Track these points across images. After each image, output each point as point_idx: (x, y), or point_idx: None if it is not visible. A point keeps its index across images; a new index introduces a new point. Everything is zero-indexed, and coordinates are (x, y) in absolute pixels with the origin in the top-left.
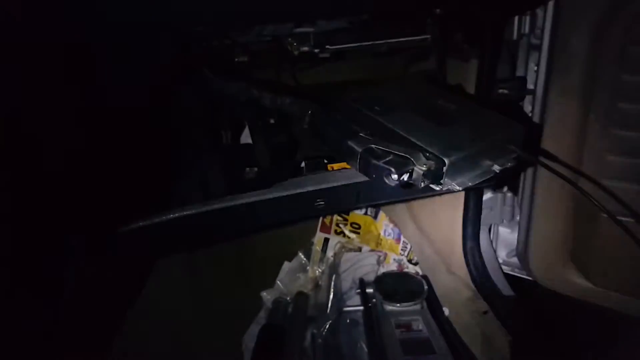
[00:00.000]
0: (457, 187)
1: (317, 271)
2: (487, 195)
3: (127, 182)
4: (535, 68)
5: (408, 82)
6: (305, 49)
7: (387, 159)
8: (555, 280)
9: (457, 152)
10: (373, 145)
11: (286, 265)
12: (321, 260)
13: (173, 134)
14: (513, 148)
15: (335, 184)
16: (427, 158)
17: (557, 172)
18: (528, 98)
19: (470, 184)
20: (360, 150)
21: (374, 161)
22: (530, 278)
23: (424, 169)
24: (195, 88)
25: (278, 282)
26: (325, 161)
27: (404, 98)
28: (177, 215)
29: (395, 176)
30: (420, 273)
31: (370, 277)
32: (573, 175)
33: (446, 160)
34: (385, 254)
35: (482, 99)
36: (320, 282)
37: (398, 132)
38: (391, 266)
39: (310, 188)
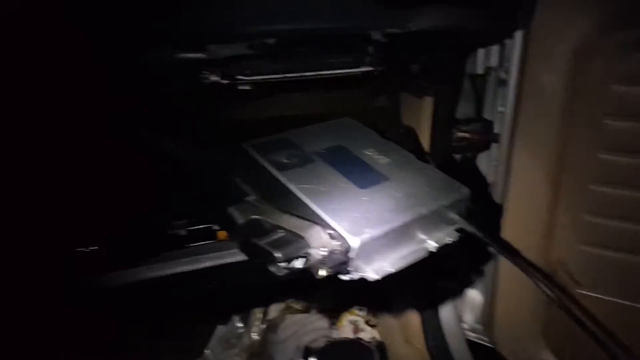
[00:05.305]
0: (374, 275)
1: (255, 338)
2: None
3: None
4: (502, 108)
5: (335, 123)
6: (216, 78)
7: (273, 237)
8: (523, 358)
9: (373, 228)
10: (258, 217)
11: (220, 329)
12: (261, 324)
13: None
14: (455, 218)
15: (224, 261)
16: (331, 237)
17: (511, 258)
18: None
19: (392, 269)
20: (240, 221)
21: (254, 240)
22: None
23: (322, 253)
24: None
25: (207, 351)
26: (217, 227)
27: (324, 146)
28: None
29: (282, 264)
30: (378, 338)
31: (321, 344)
32: (544, 242)
33: (354, 243)
34: (339, 315)
35: (438, 145)
36: (258, 351)
37: (299, 197)
38: (345, 329)
39: (187, 268)
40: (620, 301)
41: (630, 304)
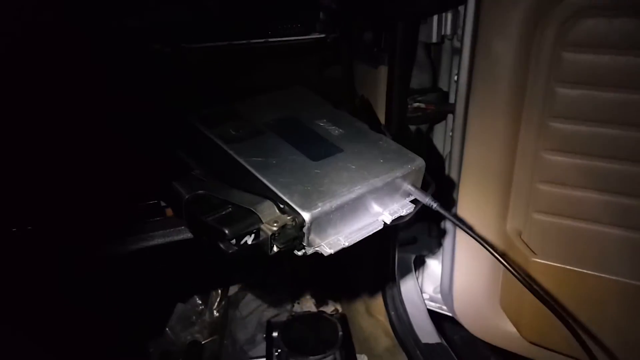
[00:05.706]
0: (329, 250)
1: (215, 315)
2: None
3: None
4: (456, 77)
5: (286, 93)
6: (158, 47)
7: (222, 213)
8: (482, 327)
9: (325, 201)
10: (205, 192)
11: (179, 307)
12: (222, 300)
13: None
14: (409, 189)
15: (175, 238)
16: (282, 211)
17: (465, 229)
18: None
19: (347, 243)
20: (186, 197)
21: (201, 216)
22: None
23: (274, 228)
24: None
25: (168, 329)
26: (163, 204)
27: (274, 117)
28: None
29: (232, 241)
30: (340, 310)
31: (283, 318)
32: (500, 211)
33: (306, 216)
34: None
35: (394, 115)
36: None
37: (249, 170)
38: (308, 303)
39: (136, 246)
40: (573, 268)
41: (583, 270)
